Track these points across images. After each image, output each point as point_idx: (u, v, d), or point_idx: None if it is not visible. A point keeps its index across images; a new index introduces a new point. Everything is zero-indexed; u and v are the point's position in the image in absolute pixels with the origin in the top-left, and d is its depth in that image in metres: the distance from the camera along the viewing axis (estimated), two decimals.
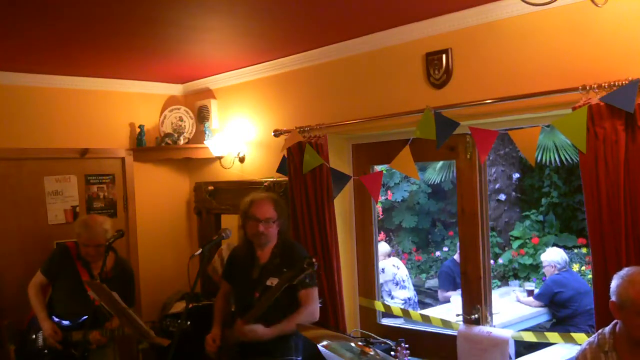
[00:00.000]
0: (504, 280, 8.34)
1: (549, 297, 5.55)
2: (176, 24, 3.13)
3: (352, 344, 2.43)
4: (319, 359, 2.96)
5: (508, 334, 3.17)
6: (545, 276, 6.02)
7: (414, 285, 6.46)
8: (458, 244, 3.79)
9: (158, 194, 5.00)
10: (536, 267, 7.95)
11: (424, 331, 3.61)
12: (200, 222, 4.97)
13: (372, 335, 3.48)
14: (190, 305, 4.23)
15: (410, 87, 3.36)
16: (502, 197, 8.81)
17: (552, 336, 3.12)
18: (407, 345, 2.95)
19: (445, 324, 3.47)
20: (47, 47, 3.54)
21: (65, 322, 3.45)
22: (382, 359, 2.39)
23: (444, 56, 3.18)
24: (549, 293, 5.57)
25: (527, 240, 8.38)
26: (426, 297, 8.39)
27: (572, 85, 2.58)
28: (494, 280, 7.92)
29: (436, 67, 3.22)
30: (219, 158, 4.64)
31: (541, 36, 2.81)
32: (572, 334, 2.99)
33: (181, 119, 4.89)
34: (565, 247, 7.51)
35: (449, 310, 4.96)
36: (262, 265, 3.15)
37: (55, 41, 3.41)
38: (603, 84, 2.46)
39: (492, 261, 4.83)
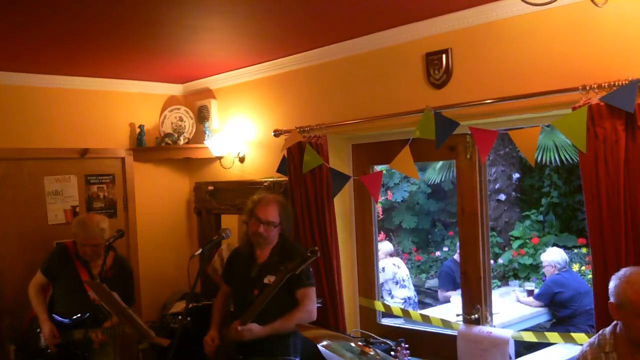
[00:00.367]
0: (504, 280, 8.34)
1: (549, 297, 5.55)
2: (176, 24, 3.13)
3: (352, 344, 2.43)
4: (319, 359, 2.96)
5: (508, 334, 3.17)
6: (545, 276, 6.02)
7: (414, 285, 6.46)
8: (458, 244, 3.80)
9: (158, 194, 5.01)
10: (536, 267, 7.95)
11: (424, 331, 3.61)
12: (200, 222, 4.97)
13: (372, 335, 3.47)
14: (190, 305, 4.24)
15: (410, 87, 3.36)
16: (502, 197, 8.81)
17: (552, 336, 3.11)
18: (407, 345, 2.95)
19: (445, 324, 3.47)
20: (47, 47, 3.54)
21: (66, 321, 3.46)
22: (382, 359, 2.39)
23: (444, 56, 3.18)
24: (549, 293, 5.57)
25: (527, 240, 8.38)
26: (426, 297, 8.39)
27: (572, 85, 2.58)
28: (494, 280, 7.92)
29: (436, 67, 3.22)
30: (219, 158, 4.64)
31: (541, 36, 2.81)
32: (572, 334, 2.99)
33: (181, 119, 4.89)
34: (565, 247, 7.51)
35: (449, 310, 4.96)
36: (261, 265, 3.16)
37: (55, 41, 3.41)
38: (603, 84, 2.46)
39: (492, 261, 4.83)
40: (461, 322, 3.37)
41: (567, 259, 5.87)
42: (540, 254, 6.92)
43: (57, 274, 3.58)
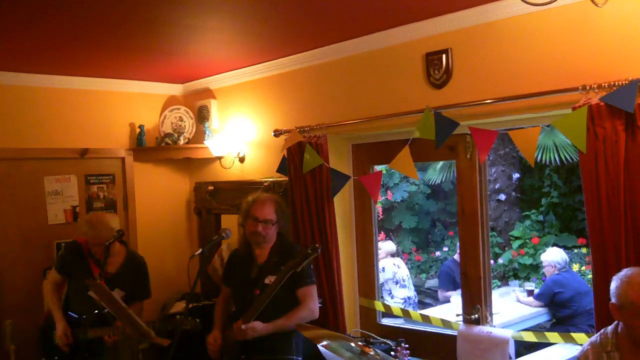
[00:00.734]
0: (504, 280, 8.34)
1: (549, 297, 5.55)
2: (176, 23, 3.13)
3: (352, 344, 2.43)
4: (320, 359, 2.96)
5: (508, 334, 3.17)
6: (545, 276, 6.02)
7: (414, 285, 6.46)
8: (458, 244, 3.79)
9: (158, 194, 5.01)
10: (536, 267, 7.96)
11: (424, 331, 3.61)
12: (200, 222, 4.98)
13: (372, 335, 3.48)
14: (190, 305, 4.24)
15: (410, 87, 3.36)
16: (502, 197, 8.81)
17: (552, 336, 3.11)
18: (407, 345, 2.96)
19: (445, 324, 3.47)
20: (47, 47, 3.54)
21: (80, 318, 3.46)
22: (382, 359, 2.39)
23: (444, 56, 3.18)
24: (549, 293, 5.57)
25: (527, 240, 8.38)
26: (426, 297, 8.39)
27: (572, 85, 2.58)
28: (494, 280, 7.92)
29: (436, 67, 3.22)
30: (219, 158, 4.64)
31: (541, 36, 2.81)
32: (572, 334, 2.99)
33: (181, 119, 4.90)
34: (565, 247, 7.51)
35: (449, 310, 4.96)
36: (260, 265, 3.16)
37: (55, 41, 3.41)
38: (603, 84, 2.46)
39: (492, 261, 4.83)
40: (461, 322, 3.37)
41: (567, 259, 5.87)
42: (540, 254, 6.92)
43: (71, 272, 3.59)
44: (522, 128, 2.87)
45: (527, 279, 7.97)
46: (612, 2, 2.37)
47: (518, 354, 3.91)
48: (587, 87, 2.51)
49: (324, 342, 2.46)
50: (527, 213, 8.85)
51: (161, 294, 4.82)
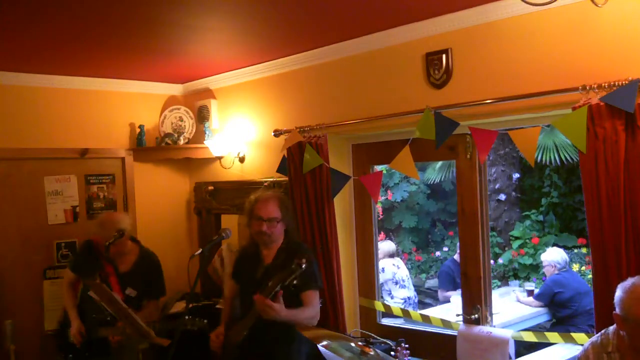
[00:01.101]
0: (504, 280, 8.34)
1: (549, 297, 5.55)
2: (176, 24, 3.13)
3: (352, 344, 2.43)
4: None
5: (508, 334, 3.17)
6: (545, 276, 6.02)
7: (414, 285, 6.46)
8: (458, 244, 3.79)
9: (158, 194, 5.00)
10: (536, 267, 7.96)
11: (424, 331, 3.61)
12: (200, 222, 4.98)
13: (372, 335, 3.48)
14: (190, 305, 4.24)
15: (410, 87, 3.36)
16: (502, 197, 8.81)
17: (552, 336, 3.11)
18: (407, 345, 2.96)
19: (445, 324, 3.47)
20: (47, 47, 3.54)
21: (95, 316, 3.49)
22: (382, 359, 2.39)
23: (444, 56, 3.18)
24: (549, 293, 5.57)
25: (527, 240, 8.38)
26: (426, 297, 8.39)
27: (572, 85, 2.58)
28: (494, 280, 7.92)
29: (436, 67, 3.22)
30: (219, 158, 4.64)
31: (541, 36, 2.81)
32: (572, 334, 2.99)
33: (181, 119, 4.90)
34: (565, 247, 7.51)
35: (449, 310, 4.96)
36: (267, 266, 3.11)
37: (55, 41, 3.41)
38: (603, 84, 2.46)
39: (492, 261, 4.83)
40: (461, 322, 3.37)
41: (567, 259, 5.87)
42: (540, 254, 6.92)
43: (85, 270, 3.60)
44: (522, 128, 2.87)
45: (527, 279, 7.97)
46: (612, 2, 2.37)
47: (518, 354, 3.91)
48: (587, 87, 2.51)
49: (324, 342, 2.46)
50: (527, 213, 8.84)
51: None
